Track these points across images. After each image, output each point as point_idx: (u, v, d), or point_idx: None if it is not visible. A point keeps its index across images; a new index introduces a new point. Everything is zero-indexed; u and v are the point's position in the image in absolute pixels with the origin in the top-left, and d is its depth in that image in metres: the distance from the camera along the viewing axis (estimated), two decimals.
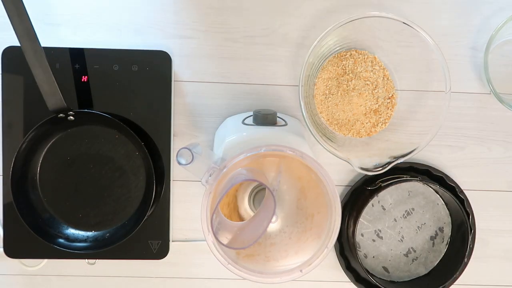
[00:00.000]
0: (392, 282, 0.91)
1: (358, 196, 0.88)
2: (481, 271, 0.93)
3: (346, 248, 0.90)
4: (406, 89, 0.86)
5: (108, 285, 0.91)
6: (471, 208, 0.89)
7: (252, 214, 0.73)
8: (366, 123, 0.86)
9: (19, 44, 0.74)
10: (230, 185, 0.63)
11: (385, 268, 0.91)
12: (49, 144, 0.84)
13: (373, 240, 0.91)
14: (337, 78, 0.85)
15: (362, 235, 0.91)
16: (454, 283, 0.87)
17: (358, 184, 0.90)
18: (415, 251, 0.91)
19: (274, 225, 0.74)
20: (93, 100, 0.84)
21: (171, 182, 0.88)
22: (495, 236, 0.92)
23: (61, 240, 0.83)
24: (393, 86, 0.87)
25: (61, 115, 0.79)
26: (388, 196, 0.90)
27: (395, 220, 0.91)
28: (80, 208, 0.85)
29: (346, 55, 0.86)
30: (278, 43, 0.87)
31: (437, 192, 0.91)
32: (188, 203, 0.90)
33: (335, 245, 0.91)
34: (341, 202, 0.89)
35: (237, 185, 0.73)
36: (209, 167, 0.65)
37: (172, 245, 0.89)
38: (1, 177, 0.86)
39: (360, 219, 0.85)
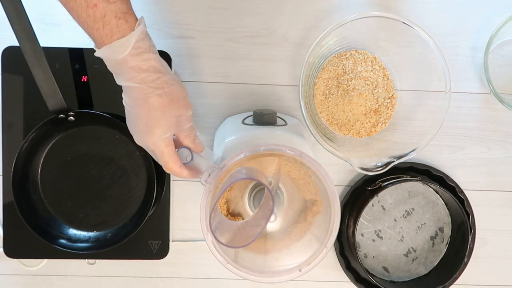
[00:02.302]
0: (392, 282, 0.91)
1: (358, 196, 0.88)
2: (481, 271, 0.93)
3: (346, 248, 0.90)
4: (406, 89, 0.86)
5: (108, 285, 0.91)
6: (471, 208, 0.89)
7: (251, 213, 0.73)
8: (366, 123, 0.86)
9: (19, 44, 0.74)
10: (229, 184, 0.63)
11: (385, 268, 0.91)
12: (50, 145, 0.84)
13: (373, 240, 0.91)
14: (337, 78, 0.85)
15: (362, 235, 0.91)
16: (454, 283, 0.87)
17: (358, 184, 0.90)
18: (415, 251, 0.91)
19: (273, 225, 0.74)
20: (93, 100, 0.84)
21: (171, 182, 0.88)
22: (495, 236, 0.92)
23: (63, 241, 0.84)
24: (393, 86, 0.87)
25: (61, 115, 0.79)
26: (388, 196, 0.90)
27: (395, 220, 0.91)
28: (82, 208, 0.85)
29: (346, 55, 0.86)
30: (278, 43, 0.88)
31: (437, 192, 0.91)
32: (188, 203, 0.90)
33: (335, 245, 0.91)
34: (341, 202, 0.89)
35: (237, 184, 0.73)
36: (209, 167, 0.65)
37: (172, 245, 0.89)
38: (1, 177, 0.86)
39: (360, 219, 0.85)
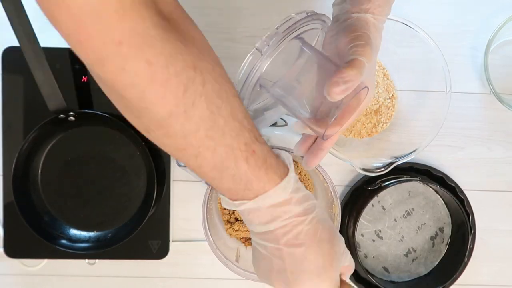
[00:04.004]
0: (392, 282, 0.91)
1: (358, 196, 0.88)
2: (481, 271, 0.93)
3: None
4: (406, 89, 0.86)
5: (108, 285, 0.91)
6: (471, 208, 0.89)
7: None
8: (367, 123, 0.86)
9: (19, 44, 0.74)
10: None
11: (385, 268, 0.91)
12: (50, 145, 0.84)
13: (373, 240, 0.91)
14: None
15: (362, 235, 0.91)
16: (454, 283, 0.87)
17: (358, 184, 0.90)
18: (415, 251, 0.91)
19: None
20: (93, 100, 0.84)
21: (171, 182, 0.88)
22: (495, 236, 0.92)
23: (64, 241, 0.84)
24: (393, 86, 0.87)
25: (61, 115, 0.79)
26: (388, 196, 0.90)
27: (395, 220, 0.91)
28: (82, 208, 0.85)
29: None
30: None
31: (437, 192, 0.91)
32: (188, 203, 0.90)
33: None
34: (341, 202, 0.89)
35: None
36: None
37: (172, 245, 0.89)
38: (1, 177, 0.86)
39: (360, 219, 0.85)
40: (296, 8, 0.86)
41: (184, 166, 0.65)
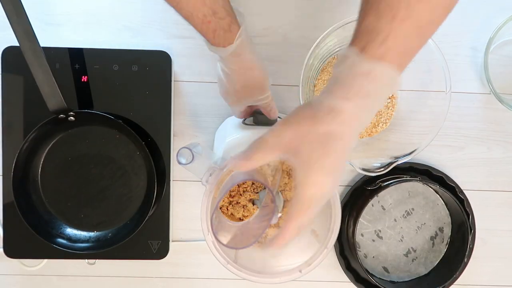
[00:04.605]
0: (392, 282, 0.91)
1: (358, 196, 0.88)
2: (481, 271, 0.93)
3: (346, 248, 0.90)
4: (406, 89, 0.86)
5: (108, 285, 0.91)
6: (471, 208, 0.89)
7: (253, 213, 0.73)
8: None
9: (19, 44, 0.74)
10: (230, 185, 0.63)
11: (385, 268, 0.91)
12: (50, 145, 0.84)
13: (373, 240, 0.91)
14: None
15: (362, 235, 0.91)
16: (454, 283, 0.87)
17: (358, 184, 0.90)
18: (415, 251, 0.91)
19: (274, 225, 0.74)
20: (93, 100, 0.84)
21: (171, 182, 0.88)
22: (495, 236, 0.92)
23: (64, 241, 0.84)
24: None
25: (61, 115, 0.79)
26: (388, 196, 0.90)
27: (395, 220, 0.91)
28: (82, 208, 0.85)
29: None
30: (278, 43, 0.87)
31: (437, 192, 0.91)
32: (188, 203, 0.90)
33: (335, 245, 0.91)
34: (341, 202, 0.89)
35: (241, 185, 0.73)
36: (209, 167, 0.65)
37: (172, 245, 0.89)
38: (1, 177, 0.86)
39: (360, 219, 0.85)
40: (298, 8, 0.86)
41: (185, 164, 0.65)
